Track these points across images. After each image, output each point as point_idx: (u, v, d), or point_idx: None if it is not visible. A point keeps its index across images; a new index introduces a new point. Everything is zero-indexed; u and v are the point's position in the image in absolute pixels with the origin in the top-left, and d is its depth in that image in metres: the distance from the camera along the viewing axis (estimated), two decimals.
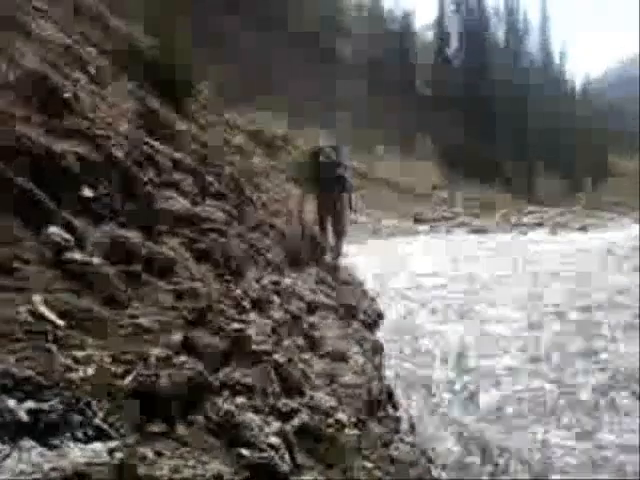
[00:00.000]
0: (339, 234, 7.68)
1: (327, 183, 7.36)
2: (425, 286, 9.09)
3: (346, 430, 2.82)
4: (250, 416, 2.24)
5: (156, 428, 1.79)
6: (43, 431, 1.47)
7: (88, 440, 1.54)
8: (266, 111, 27.83)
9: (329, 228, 7.70)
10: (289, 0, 39.21)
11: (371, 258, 11.82)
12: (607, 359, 5.25)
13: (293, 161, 19.28)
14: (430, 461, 3.31)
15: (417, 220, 25.12)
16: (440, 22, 52.03)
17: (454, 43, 52.48)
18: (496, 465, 3.40)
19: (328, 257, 7.50)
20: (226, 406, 2.19)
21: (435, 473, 3.22)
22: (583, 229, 19.66)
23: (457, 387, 4.67)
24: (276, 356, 2.92)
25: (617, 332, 6.11)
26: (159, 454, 1.66)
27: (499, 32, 54.46)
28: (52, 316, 1.92)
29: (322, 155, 7.46)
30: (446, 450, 3.57)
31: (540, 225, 21.08)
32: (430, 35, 53.75)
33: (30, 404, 1.49)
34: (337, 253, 7.67)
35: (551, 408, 4.23)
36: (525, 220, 22.97)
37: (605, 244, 13.92)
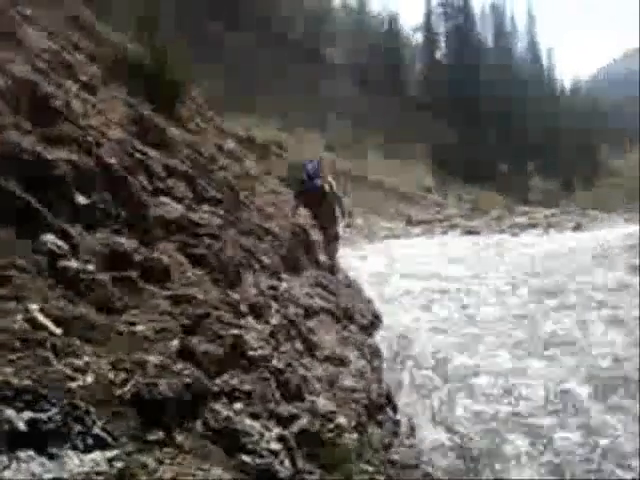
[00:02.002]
0: (331, 236, 8.01)
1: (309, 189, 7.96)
2: None
3: (346, 434, 2.81)
4: (249, 422, 2.23)
5: (155, 436, 1.78)
6: (42, 441, 1.45)
7: (87, 449, 1.52)
8: (255, 116, 27.84)
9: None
10: (276, 3, 39.35)
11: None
12: None
13: (288, 167, 19.40)
14: (430, 464, 3.30)
15: (410, 222, 25.10)
16: (428, 23, 52.33)
17: (442, 44, 52.81)
18: None
19: (323, 258, 7.60)
20: (225, 412, 2.17)
21: (435, 476, 3.21)
22: (577, 228, 19.67)
23: None
24: (274, 361, 2.91)
25: None
26: (159, 462, 1.65)
27: (487, 33, 54.86)
28: (49, 324, 1.90)
29: (303, 170, 8.15)
30: None
31: (534, 226, 21.07)
32: (419, 37, 54.04)
33: (29, 414, 1.47)
34: (332, 255, 7.89)
35: None
36: (518, 221, 22.97)
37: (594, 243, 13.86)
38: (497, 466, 3.42)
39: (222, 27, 32.46)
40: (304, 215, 8.55)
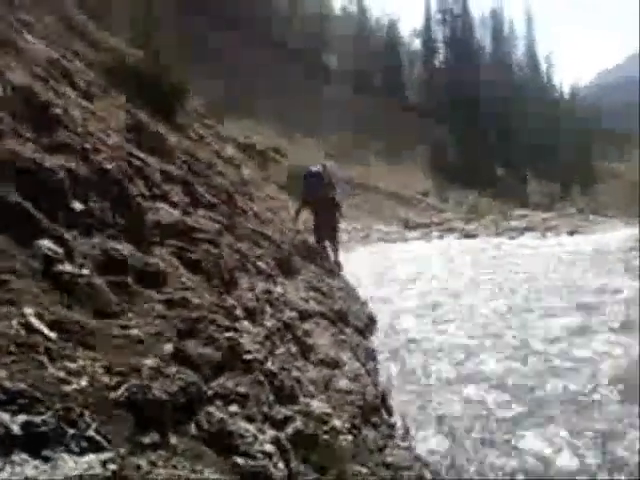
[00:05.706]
0: (332, 239, 8.21)
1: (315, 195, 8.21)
2: None
3: (341, 436, 2.82)
4: (244, 424, 2.25)
5: (149, 438, 1.79)
6: (36, 444, 1.47)
7: (82, 452, 1.54)
8: (253, 122, 27.88)
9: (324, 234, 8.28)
10: (276, 14, 39.42)
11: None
12: None
13: (286, 173, 19.45)
14: (425, 466, 3.31)
15: (407, 226, 25.12)
16: (427, 29, 52.47)
17: (441, 50, 52.94)
18: None
19: (321, 262, 7.70)
20: (219, 415, 2.19)
21: (430, 477, 3.23)
22: (573, 233, 19.66)
23: None
24: (269, 364, 2.93)
25: None
26: (153, 464, 1.66)
27: (486, 38, 54.95)
28: (44, 328, 1.92)
29: (309, 176, 8.47)
30: None
31: (530, 229, 21.09)
32: (417, 43, 54.17)
33: (23, 417, 1.49)
34: (332, 257, 8.08)
35: None
36: (515, 224, 23.01)
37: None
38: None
39: (222, 31, 32.55)
40: (303, 220, 8.64)
